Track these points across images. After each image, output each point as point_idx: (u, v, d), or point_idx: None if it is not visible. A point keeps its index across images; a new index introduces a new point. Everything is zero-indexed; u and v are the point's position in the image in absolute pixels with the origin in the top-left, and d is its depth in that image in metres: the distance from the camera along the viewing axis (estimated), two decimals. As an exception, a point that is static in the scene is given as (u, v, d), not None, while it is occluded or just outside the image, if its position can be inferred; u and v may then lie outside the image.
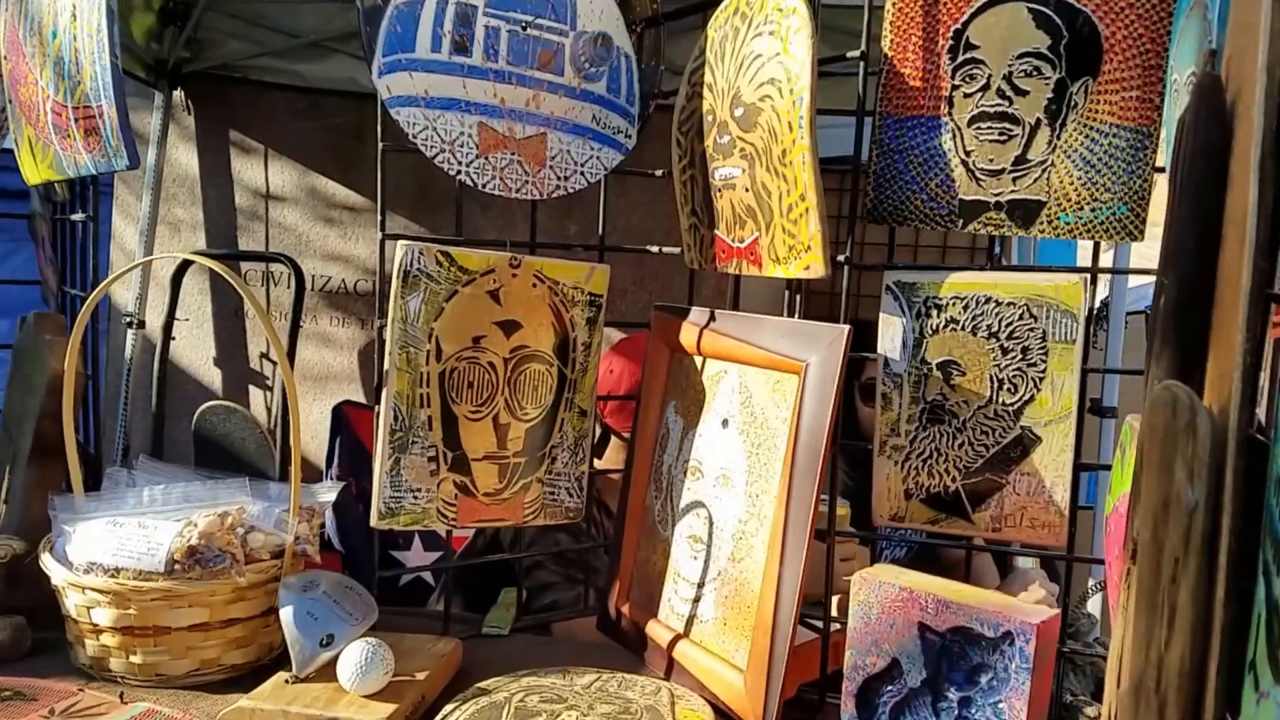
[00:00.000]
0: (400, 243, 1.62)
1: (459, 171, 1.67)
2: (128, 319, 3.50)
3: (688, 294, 1.82)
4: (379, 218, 1.69)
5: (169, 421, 3.54)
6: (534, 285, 1.73)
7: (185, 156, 3.62)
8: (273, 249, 3.54)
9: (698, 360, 1.69)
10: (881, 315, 1.44)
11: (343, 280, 3.56)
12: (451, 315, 1.67)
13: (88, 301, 1.57)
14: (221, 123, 3.57)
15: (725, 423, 1.59)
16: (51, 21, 1.63)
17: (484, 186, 1.70)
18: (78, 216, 2.02)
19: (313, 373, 3.54)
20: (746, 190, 1.52)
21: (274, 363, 3.55)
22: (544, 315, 1.74)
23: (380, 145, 1.66)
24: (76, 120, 1.62)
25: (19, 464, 1.73)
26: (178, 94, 3.56)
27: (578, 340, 1.78)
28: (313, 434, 3.49)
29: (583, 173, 1.76)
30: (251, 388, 3.60)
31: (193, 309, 3.64)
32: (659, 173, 1.82)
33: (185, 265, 3.45)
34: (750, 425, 1.53)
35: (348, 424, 2.93)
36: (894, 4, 1.41)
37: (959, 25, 1.35)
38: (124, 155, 1.56)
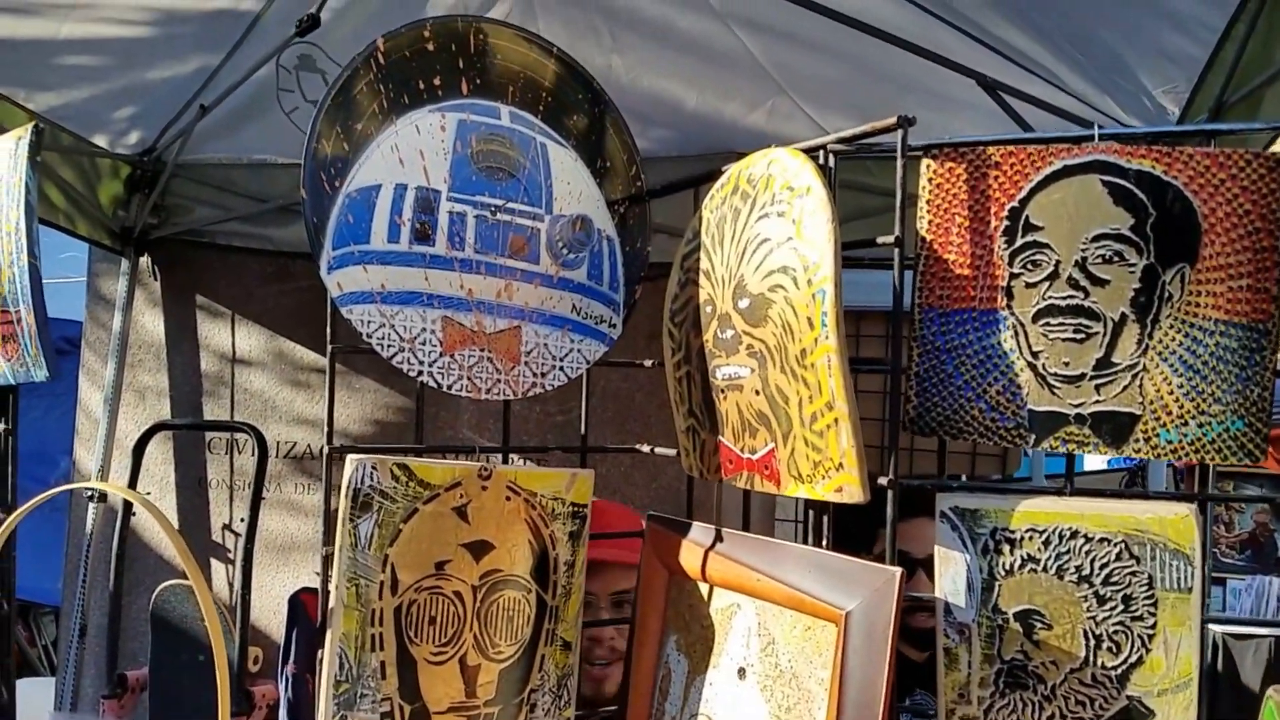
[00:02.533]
0: (350, 456, 1.25)
1: (420, 373, 1.32)
2: (89, 494, 3.07)
3: (686, 494, 1.44)
4: (326, 429, 1.32)
5: (128, 597, 3.09)
6: (508, 498, 1.36)
7: (151, 322, 3.26)
8: (238, 414, 3.15)
9: (703, 587, 1.31)
10: (938, 549, 1.07)
11: (308, 445, 3.16)
12: (410, 538, 1.30)
13: (4, 527, 1.19)
14: (188, 288, 3.23)
15: (742, 672, 1.21)
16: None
17: (449, 388, 1.34)
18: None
19: (276, 543, 3.11)
20: (757, 393, 1.17)
21: (236, 534, 3.11)
22: (520, 533, 1.37)
23: (330, 347, 1.30)
24: (-18, 326, 1.26)
25: None
26: (144, 259, 3.22)
27: (559, 559, 1.40)
28: (275, 611, 3.03)
29: (562, 368, 1.41)
30: (214, 561, 3.16)
31: (156, 478, 3.21)
32: (649, 363, 1.47)
33: (149, 434, 3.04)
34: (775, 681, 1.14)
35: (305, 614, 2.49)
36: (930, 178, 1.09)
37: (1015, 203, 1.03)
38: (43, 365, 1.22)
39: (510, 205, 1.35)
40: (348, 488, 1.26)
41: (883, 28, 2.21)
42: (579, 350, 1.42)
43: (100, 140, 3.14)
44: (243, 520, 2.92)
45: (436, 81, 1.31)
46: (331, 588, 1.26)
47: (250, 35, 2.66)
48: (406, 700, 1.29)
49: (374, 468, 1.27)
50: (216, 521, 3.17)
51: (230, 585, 3.11)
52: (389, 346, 1.30)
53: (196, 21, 2.57)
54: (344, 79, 1.26)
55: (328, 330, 1.31)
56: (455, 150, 1.32)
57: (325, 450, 1.31)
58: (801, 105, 2.78)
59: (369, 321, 1.29)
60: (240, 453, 3.17)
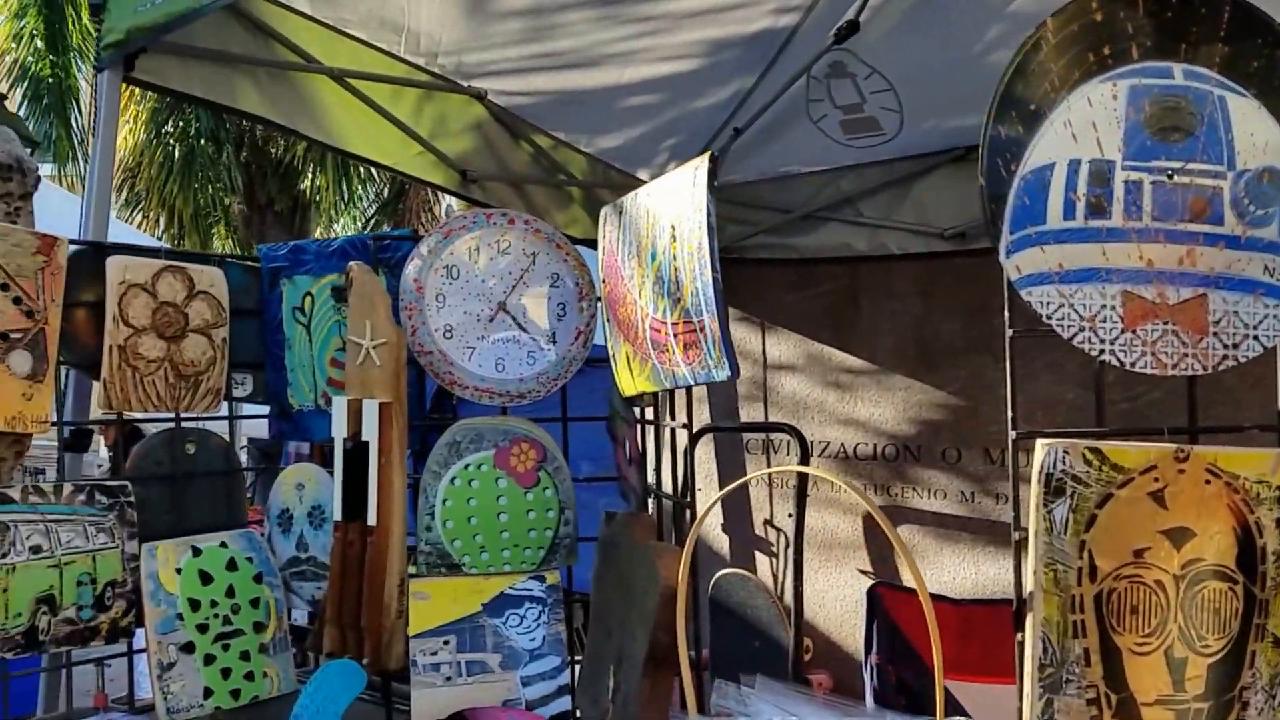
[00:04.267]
0: (1040, 441, 1.27)
1: (1102, 351, 1.30)
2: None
3: None
4: (1008, 412, 1.35)
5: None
6: (1206, 482, 1.29)
7: (687, 334, 3.62)
8: (772, 417, 3.38)
9: None
10: None
11: (842, 444, 3.30)
12: (1106, 524, 1.28)
13: (699, 517, 1.40)
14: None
15: None
16: (650, 245, 1.55)
17: (1132, 365, 1.31)
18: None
19: (816, 540, 3.28)
20: None
21: (777, 529, 3.34)
22: (1221, 519, 1.29)
23: (1009, 331, 1.34)
24: (675, 335, 1.49)
25: (629, 668, 1.59)
26: (680, 278, 3.59)
27: (1266, 549, 1.30)
28: (820, 604, 3.21)
29: (1255, 336, 1.31)
30: (757, 553, 3.42)
31: (701, 475, 3.56)
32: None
33: (699, 435, 3.39)
34: None
35: (883, 608, 2.60)
36: None
37: None
38: (725, 366, 1.40)
39: (1189, 166, 1.29)
40: (1039, 472, 1.28)
41: None
42: (1275, 316, 1.31)
43: (643, 174, 3.57)
44: (790, 515, 3.13)
45: (1106, 51, 1.29)
46: (1029, 572, 1.29)
47: (781, 54, 2.86)
48: (1113, 689, 1.28)
49: (1065, 452, 1.28)
50: (758, 516, 3.44)
51: (774, 576, 3.35)
52: (1069, 326, 1.31)
53: (739, 46, 2.81)
54: (1015, 63, 1.29)
55: (1005, 315, 1.35)
56: (1127, 117, 1.29)
57: (1011, 436, 1.35)
58: None
59: (1048, 302, 1.31)
60: (775, 452, 3.41)
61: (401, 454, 1.89)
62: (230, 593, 2.19)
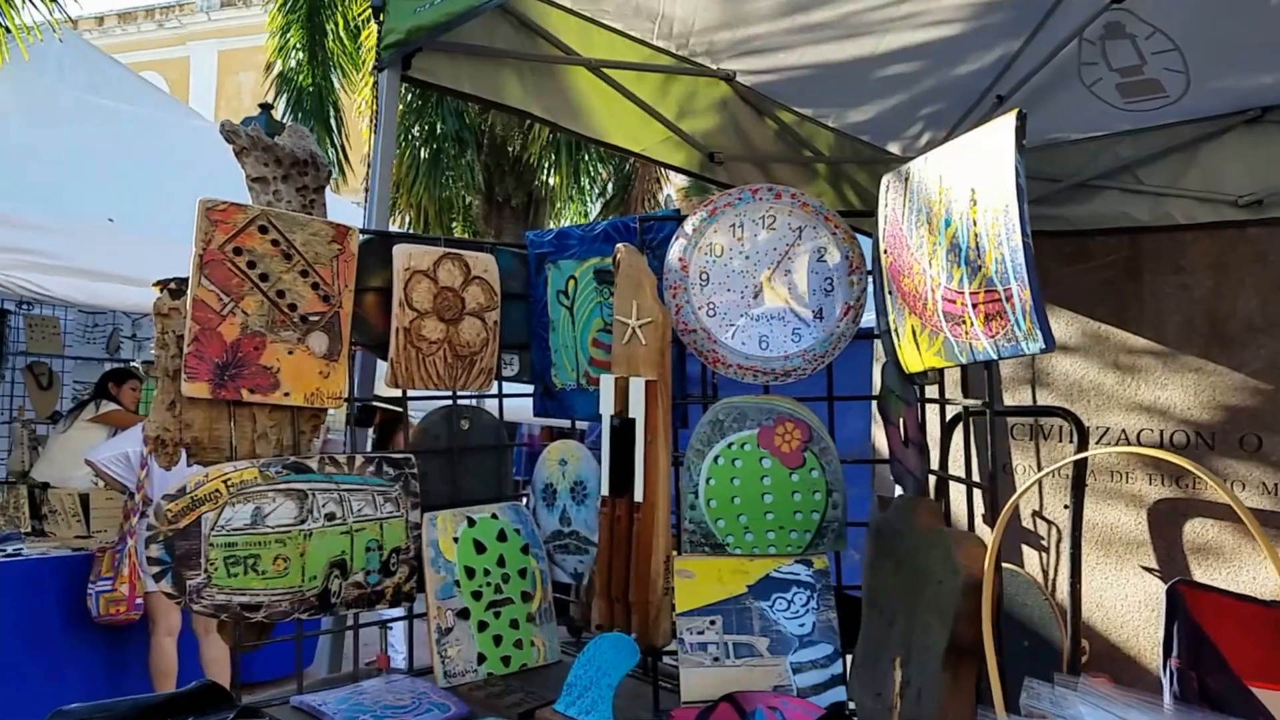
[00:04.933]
0: None
1: None
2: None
3: None
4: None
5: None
6: None
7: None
8: (1042, 400, 3.15)
9: None
10: None
11: (1123, 431, 3.02)
12: None
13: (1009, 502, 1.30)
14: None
15: None
16: (943, 210, 1.45)
17: None
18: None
19: (1094, 534, 3.02)
20: None
21: (1049, 522, 3.11)
22: None
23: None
24: (974, 305, 1.39)
25: (923, 660, 1.51)
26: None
27: None
28: (1097, 603, 2.95)
29: None
30: (1024, 547, 3.19)
31: (955, 463, 3.38)
32: None
33: (955, 421, 3.21)
34: None
35: (1185, 608, 2.34)
36: None
37: None
38: (1037, 338, 1.29)
39: None
40: None
41: None
42: None
43: (893, 148, 3.44)
44: (1066, 507, 2.89)
45: None
46: None
47: (1051, 15, 2.65)
48: None
49: None
50: (1026, 508, 3.22)
51: (1044, 572, 3.12)
52: None
53: (1006, 8, 2.63)
54: None
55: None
56: None
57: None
58: None
59: None
60: (1046, 439, 3.17)
61: (666, 431, 1.89)
62: (501, 562, 2.29)
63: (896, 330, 1.59)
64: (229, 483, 1.96)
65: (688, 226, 1.92)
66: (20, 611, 4.17)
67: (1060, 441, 3.11)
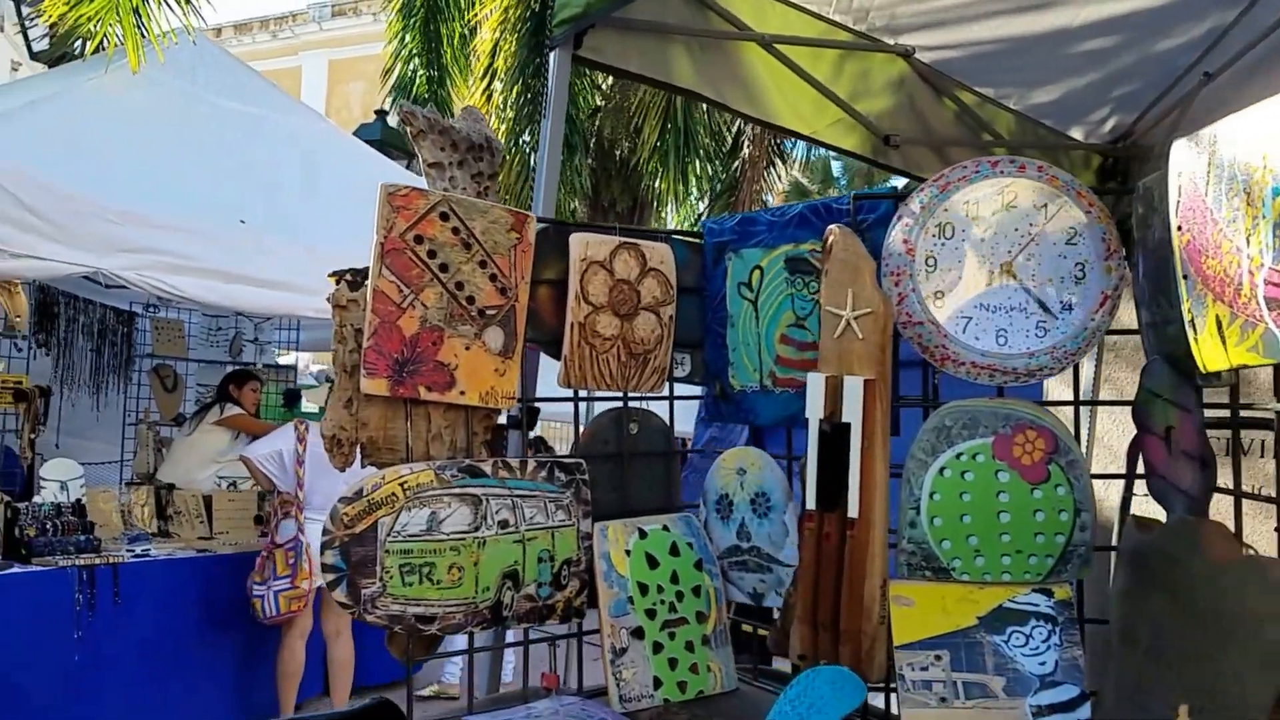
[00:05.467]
0: None
1: None
2: None
3: None
4: None
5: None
6: None
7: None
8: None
9: None
10: None
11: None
12: None
13: None
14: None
15: None
16: (1269, 178, 1.22)
17: None
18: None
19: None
20: None
21: None
22: None
23: None
24: (1315, 289, 1.16)
25: (1229, 711, 1.28)
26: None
27: None
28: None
29: None
30: None
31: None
32: None
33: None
34: None
35: None
36: None
37: None
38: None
39: None
40: None
41: None
42: None
43: (1076, 133, 3.17)
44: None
45: None
46: None
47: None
48: None
49: None
50: None
51: None
52: None
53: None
54: None
55: None
56: None
57: None
58: None
59: None
60: (1245, 453, 2.85)
61: (885, 437, 1.70)
62: (674, 578, 2.12)
63: (1194, 321, 1.36)
64: (405, 486, 1.84)
65: (914, 204, 1.72)
66: (159, 609, 4.18)
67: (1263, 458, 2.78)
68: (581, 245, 2.03)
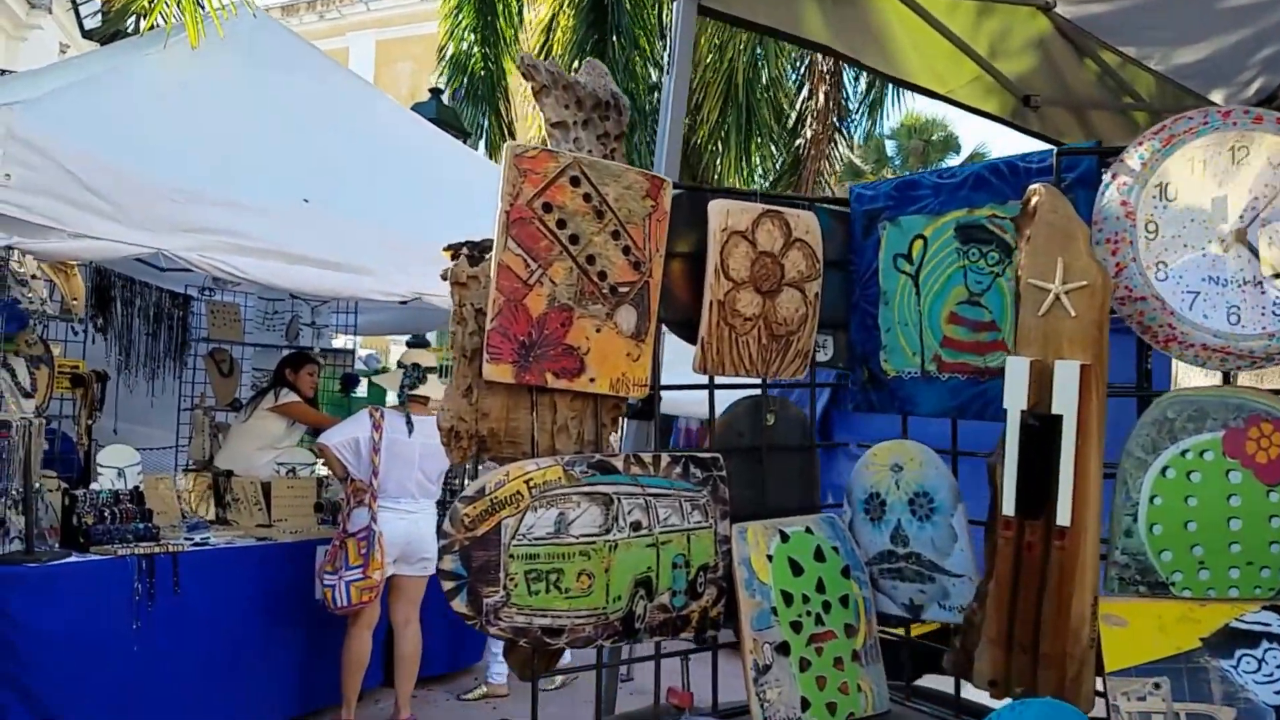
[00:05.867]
0: None
1: None
2: None
3: None
4: None
5: None
6: None
7: None
8: None
9: None
10: None
11: None
12: None
13: None
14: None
15: None
16: None
17: None
18: None
19: None
20: None
21: None
22: None
23: None
24: None
25: None
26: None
27: None
28: None
29: None
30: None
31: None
32: None
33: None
34: None
35: None
36: None
37: None
38: None
39: None
40: None
41: None
42: None
43: (1216, 96, 2.91)
44: None
45: None
46: None
47: None
48: None
49: None
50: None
51: None
52: None
53: None
54: None
55: None
56: None
57: None
58: None
59: None
60: None
61: (1101, 433, 1.47)
62: (820, 587, 1.91)
63: None
64: (531, 483, 1.64)
65: (1133, 160, 1.48)
66: (219, 598, 4.05)
67: None
68: (722, 214, 1.81)
